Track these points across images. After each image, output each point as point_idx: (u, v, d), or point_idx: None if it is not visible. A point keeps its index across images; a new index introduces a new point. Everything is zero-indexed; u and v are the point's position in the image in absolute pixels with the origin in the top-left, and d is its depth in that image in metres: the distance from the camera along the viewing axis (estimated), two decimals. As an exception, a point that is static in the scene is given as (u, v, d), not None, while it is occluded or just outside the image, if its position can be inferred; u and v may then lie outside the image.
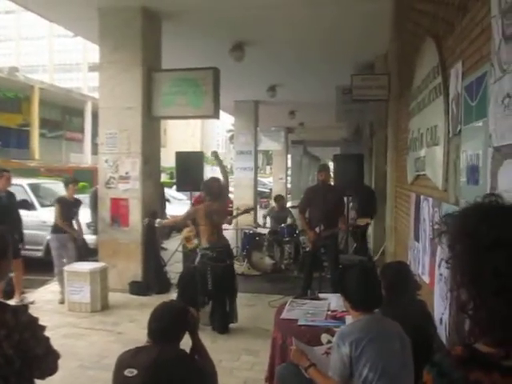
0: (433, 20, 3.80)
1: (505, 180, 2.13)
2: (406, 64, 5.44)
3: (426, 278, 3.92)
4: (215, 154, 6.04)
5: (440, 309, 3.28)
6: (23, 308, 1.84)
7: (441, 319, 3.27)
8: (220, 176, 5.86)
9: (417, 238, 4.44)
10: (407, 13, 5.30)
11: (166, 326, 2.28)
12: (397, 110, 6.25)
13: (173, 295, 6.69)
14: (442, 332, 3.19)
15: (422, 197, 4.21)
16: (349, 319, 2.65)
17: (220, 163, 6.04)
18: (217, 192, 5.42)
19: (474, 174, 2.55)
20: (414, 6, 4.76)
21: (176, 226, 7.61)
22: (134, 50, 6.60)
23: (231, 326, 5.31)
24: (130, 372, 2.13)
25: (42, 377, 1.90)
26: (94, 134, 16.30)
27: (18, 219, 6.30)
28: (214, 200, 5.37)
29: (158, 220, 5.86)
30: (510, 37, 2.07)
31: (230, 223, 7.02)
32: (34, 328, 1.81)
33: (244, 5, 6.44)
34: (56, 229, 6.33)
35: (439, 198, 3.48)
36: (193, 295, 5.07)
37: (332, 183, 6.65)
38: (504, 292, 1.03)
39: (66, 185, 6.54)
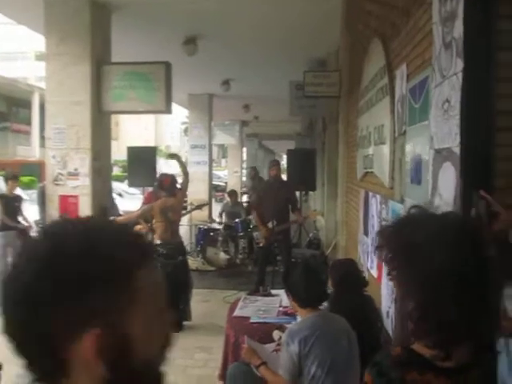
0: (380, 22, 3.89)
1: (444, 181, 2.23)
2: (355, 62, 5.56)
3: (374, 272, 4.05)
4: (176, 158, 5.95)
5: (387, 302, 3.40)
6: None
7: (387, 312, 3.39)
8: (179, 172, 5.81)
9: (366, 233, 4.57)
10: (357, 13, 5.41)
11: None
12: (347, 106, 6.38)
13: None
14: (389, 324, 3.31)
15: (370, 193, 4.34)
16: (299, 318, 2.71)
17: (181, 163, 5.95)
18: (170, 187, 5.37)
19: (417, 174, 2.65)
20: (364, 6, 4.85)
21: (130, 223, 7.47)
22: (82, 42, 6.37)
23: (185, 323, 5.30)
24: None
25: None
26: (42, 127, 15.75)
27: None
28: (169, 196, 5.32)
29: (111, 218, 5.74)
30: (448, 44, 2.16)
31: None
32: None
33: (196, -2, 6.36)
34: (1, 226, 6.08)
35: (386, 195, 3.60)
36: None
37: (283, 178, 6.72)
38: (448, 296, 1.08)
39: (6, 181, 6.29)
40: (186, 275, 5.36)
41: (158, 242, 5.23)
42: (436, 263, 1.07)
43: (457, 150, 2.03)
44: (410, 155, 2.83)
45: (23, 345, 0.66)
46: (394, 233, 1.18)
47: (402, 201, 3.05)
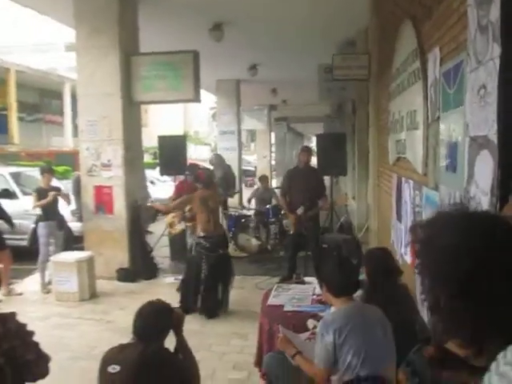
0: (410, 2, 3.79)
1: (481, 170, 2.18)
2: (385, 44, 5.43)
3: (407, 259, 4.01)
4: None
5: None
6: (11, 315, 1.85)
7: (422, 299, 3.36)
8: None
9: (399, 218, 4.52)
10: (386, -8, 5.27)
11: (150, 324, 2.33)
12: (377, 89, 6.27)
13: (160, 280, 6.76)
14: (424, 312, 3.28)
15: (403, 179, 4.27)
16: (333, 309, 2.72)
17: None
18: (206, 180, 5.43)
19: (452, 161, 2.60)
20: (393, -15, 4.73)
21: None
22: (110, 34, 6.45)
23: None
24: (113, 368, 2.19)
25: (34, 380, 1.93)
26: (74, 116, 16.01)
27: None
28: (206, 187, 5.38)
29: (150, 200, 5.83)
30: (484, 28, 2.09)
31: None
32: (22, 335, 1.83)
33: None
34: (44, 216, 6.29)
35: (419, 181, 3.54)
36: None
37: (312, 164, 6.67)
38: (471, 295, 1.07)
39: (42, 174, 6.46)
40: (227, 267, 5.43)
41: (201, 234, 5.30)
42: (465, 264, 1.06)
43: (494, 138, 1.98)
44: (444, 142, 2.77)
45: None
46: (425, 229, 1.16)
47: (436, 188, 3.00)
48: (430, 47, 3.11)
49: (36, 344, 1.90)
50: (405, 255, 4.14)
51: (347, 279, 2.52)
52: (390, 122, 4.84)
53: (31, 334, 1.88)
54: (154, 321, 2.34)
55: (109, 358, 2.27)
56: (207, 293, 5.26)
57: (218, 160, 9.82)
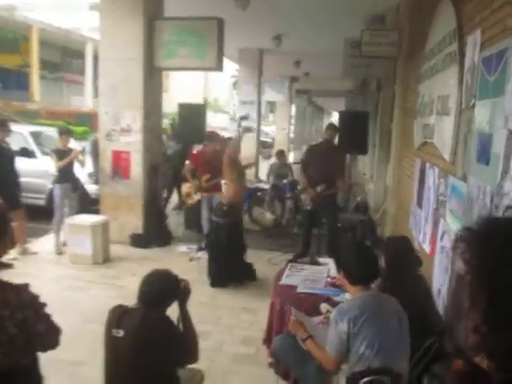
0: (452, -21, 3.57)
1: (518, 166, 2.06)
2: (419, 21, 5.19)
3: (426, 247, 3.93)
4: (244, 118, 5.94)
5: (439, 281, 3.30)
6: (24, 286, 1.84)
7: (439, 291, 3.29)
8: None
9: (419, 205, 4.41)
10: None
11: (155, 292, 2.35)
12: (407, 69, 6.04)
13: (173, 248, 6.79)
14: (440, 303, 3.22)
15: (427, 164, 4.14)
16: (348, 295, 2.67)
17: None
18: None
19: (484, 153, 2.47)
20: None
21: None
22: (135, -5, 6.30)
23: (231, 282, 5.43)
24: (117, 332, 2.25)
25: (44, 350, 1.93)
26: (95, 77, 15.89)
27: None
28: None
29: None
30: (537, 14, 1.94)
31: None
32: (35, 306, 1.82)
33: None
34: (60, 178, 6.30)
35: (446, 169, 3.42)
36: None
37: (335, 143, 6.52)
38: None
39: (60, 135, 6.43)
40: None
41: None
42: None
43: (536, 133, 1.86)
44: (477, 131, 2.63)
45: None
46: (481, 237, 1.08)
47: (464, 178, 2.88)
48: (471, 29, 2.94)
49: (48, 316, 1.89)
50: (423, 243, 4.05)
51: (366, 269, 2.46)
52: (419, 105, 4.67)
53: (43, 305, 1.87)
54: (159, 289, 2.36)
55: (112, 320, 2.32)
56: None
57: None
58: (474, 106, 2.76)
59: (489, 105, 2.47)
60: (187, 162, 7.33)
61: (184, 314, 2.50)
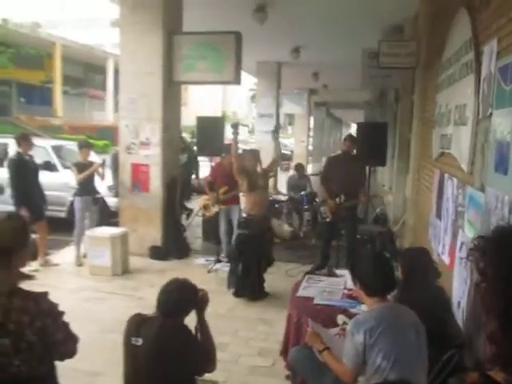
0: (468, -11, 3.57)
1: (535, 175, 2.03)
2: (437, 31, 5.18)
3: (445, 258, 3.87)
4: (235, 126, 5.76)
5: (459, 293, 3.24)
6: (44, 295, 1.88)
7: (459, 303, 3.24)
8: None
9: (439, 216, 4.36)
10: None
11: (173, 300, 2.38)
12: (425, 78, 6.02)
13: (191, 260, 6.82)
14: (459, 316, 3.17)
15: (446, 175, 4.10)
16: (365, 307, 2.64)
17: (235, 137, 5.75)
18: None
19: (503, 163, 2.45)
20: (449, -30, 4.47)
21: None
22: (154, 11, 6.43)
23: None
24: (136, 341, 2.28)
25: (62, 359, 1.97)
26: (116, 92, 16.26)
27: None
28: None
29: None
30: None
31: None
32: (54, 314, 1.86)
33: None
34: (80, 191, 6.41)
35: (464, 179, 3.38)
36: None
37: (354, 153, 6.50)
38: None
39: (80, 149, 6.55)
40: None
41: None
42: None
43: (554, 142, 1.83)
44: (495, 141, 2.61)
45: None
46: (495, 246, 1.07)
47: (482, 189, 2.85)
48: (487, 38, 2.92)
49: (66, 324, 1.93)
50: (442, 255, 3.99)
51: (383, 280, 2.43)
52: (437, 115, 4.64)
53: (62, 314, 1.91)
54: (177, 297, 2.39)
55: (131, 329, 2.35)
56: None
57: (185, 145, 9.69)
58: (491, 115, 2.73)
59: (506, 114, 2.44)
60: (203, 175, 7.39)
61: (202, 323, 2.52)
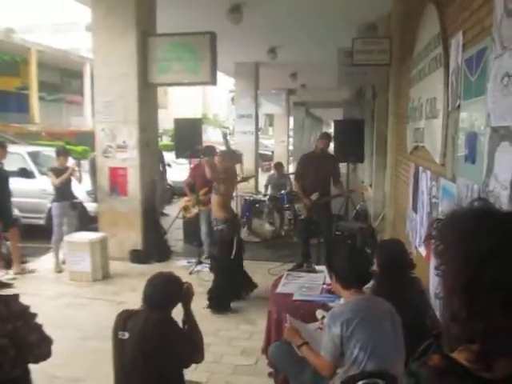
0: (435, -16, 3.62)
1: (501, 162, 2.07)
2: (408, 28, 5.26)
3: (422, 251, 3.92)
4: (224, 135, 5.85)
5: (435, 284, 3.28)
6: (14, 297, 1.85)
7: (436, 294, 3.28)
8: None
9: (415, 209, 4.41)
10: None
11: (159, 294, 2.42)
12: (399, 75, 6.10)
13: (173, 263, 6.78)
14: (438, 307, 3.20)
15: (420, 168, 4.16)
16: (342, 299, 2.66)
17: (227, 145, 5.83)
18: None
19: (471, 152, 2.49)
20: (417, -34, 4.54)
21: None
22: (127, 13, 6.39)
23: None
24: (123, 335, 2.32)
25: (36, 362, 1.93)
26: (94, 97, 16.10)
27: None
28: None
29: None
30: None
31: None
32: (26, 316, 1.83)
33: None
34: (58, 197, 6.32)
35: (437, 171, 3.43)
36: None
37: (330, 152, 6.54)
38: (501, 304, 0.99)
39: (57, 155, 6.44)
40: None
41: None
42: (492, 269, 0.98)
43: (517, 129, 1.87)
44: (463, 131, 2.65)
45: None
46: (450, 225, 1.08)
47: (453, 179, 2.89)
48: (453, 32, 2.97)
49: (39, 326, 1.90)
50: (419, 247, 4.04)
51: (357, 271, 2.45)
52: (410, 109, 4.70)
53: (34, 315, 1.88)
54: (163, 290, 2.43)
55: (118, 324, 2.38)
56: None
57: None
58: (459, 106, 2.78)
59: (472, 104, 2.49)
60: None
61: (188, 315, 2.56)
